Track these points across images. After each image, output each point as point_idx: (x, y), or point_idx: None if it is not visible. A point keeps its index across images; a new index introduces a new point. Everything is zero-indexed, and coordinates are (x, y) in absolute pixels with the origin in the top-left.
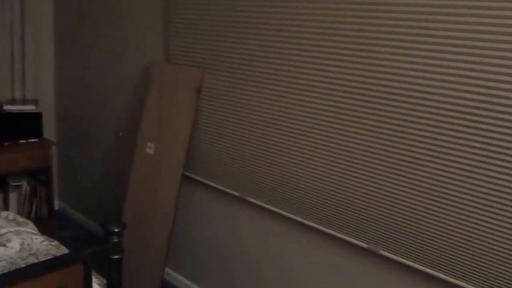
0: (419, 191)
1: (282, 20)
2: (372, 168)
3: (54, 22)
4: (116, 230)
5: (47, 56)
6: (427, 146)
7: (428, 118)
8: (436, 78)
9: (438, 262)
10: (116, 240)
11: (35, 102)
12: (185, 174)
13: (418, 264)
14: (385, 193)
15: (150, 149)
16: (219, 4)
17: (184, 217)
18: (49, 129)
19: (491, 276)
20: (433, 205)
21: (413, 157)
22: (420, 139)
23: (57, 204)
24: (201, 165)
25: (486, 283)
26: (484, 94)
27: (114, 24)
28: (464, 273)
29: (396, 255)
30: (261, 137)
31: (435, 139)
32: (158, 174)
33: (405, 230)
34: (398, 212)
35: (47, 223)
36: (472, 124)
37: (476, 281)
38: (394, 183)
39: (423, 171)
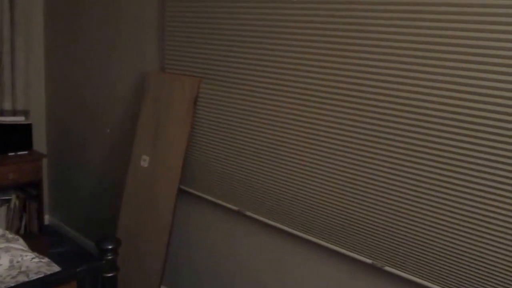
0: (427, 205)
1: (280, 28)
2: (376, 181)
3: (45, 32)
4: (110, 247)
5: (38, 66)
6: (432, 158)
7: (432, 130)
8: (441, 87)
9: (446, 278)
10: (110, 257)
11: (25, 113)
12: (182, 188)
13: (425, 280)
14: (391, 207)
15: (144, 161)
16: (215, 12)
17: (182, 233)
18: (40, 141)
19: None
20: (441, 220)
21: (418, 169)
22: (425, 150)
23: (47, 219)
24: (199, 179)
25: None
26: (486, 104)
27: (107, 34)
28: None
29: (401, 271)
30: (260, 149)
31: (440, 150)
32: (153, 188)
33: (411, 246)
34: (403, 227)
35: (38, 239)
36: (481, 142)
37: None
38: (400, 198)
39: (429, 184)
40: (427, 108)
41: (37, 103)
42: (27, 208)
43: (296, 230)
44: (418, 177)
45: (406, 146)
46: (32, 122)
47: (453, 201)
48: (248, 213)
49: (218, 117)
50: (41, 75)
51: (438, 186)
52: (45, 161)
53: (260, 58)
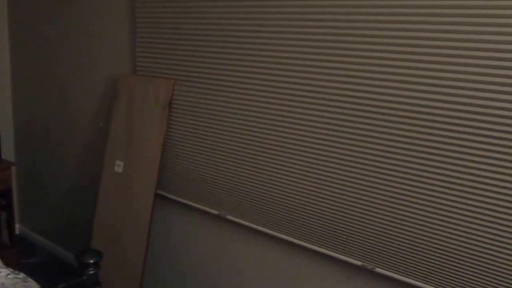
0: (417, 205)
1: (255, 27)
2: (363, 180)
3: (10, 32)
4: (92, 261)
5: (3, 70)
6: (420, 155)
7: (421, 128)
8: (441, 92)
9: (435, 276)
10: (92, 271)
11: None
12: (159, 193)
13: (417, 280)
14: (379, 207)
15: (118, 167)
16: (187, 12)
17: (162, 239)
18: (8, 149)
19: None
20: (429, 219)
21: (408, 169)
22: (412, 148)
23: (18, 228)
24: (176, 183)
25: None
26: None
27: (77, 36)
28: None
29: (391, 272)
30: (238, 150)
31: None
32: (129, 193)
33: (401, 246)
34: (393, 227)
35: (9, 250)
36: (471, 138)
37: None
38: (388, 198)
39: (418, 182)
40: (411, 107)
41: (2, 108)
42: None
43: (280, 233)
44: (415, 177)
45: (395, 144)
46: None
47: (447, 195)
48: (229, 217)
49: (194, 119)
50: (6, 79)
51: (431, 185)
52: (14, 169)
53: (237, 57)
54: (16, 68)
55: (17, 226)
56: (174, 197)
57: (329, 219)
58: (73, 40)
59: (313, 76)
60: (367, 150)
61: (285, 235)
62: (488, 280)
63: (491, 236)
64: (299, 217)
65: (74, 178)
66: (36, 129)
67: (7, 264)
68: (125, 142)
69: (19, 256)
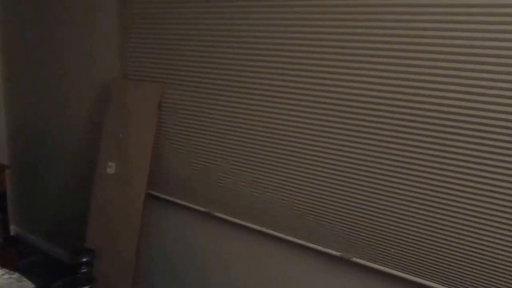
0: (397, 194)
1: (246, 26)
2: (355, 176)
3: (2, 34)
4: (85, 259)
5: None
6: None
7: (415, 123)
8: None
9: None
10: (85, 270)
11: None
12: (152, 193)
13: (396, 270)
14: (361, 198)
15: (110, 168)
16: (176, 18)
17: (155, 238)
18: (1, 150)
19: (468, 279)
20: (408, 208)
21: (405, 157)
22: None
23: (13, 230)
24: (168, 183)
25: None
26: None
27: (68, 42)
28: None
29: (369, 262)
30: (225, 149)
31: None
32: (120, 194)
33: (381, 237)
34: (372, 217)
35: (4, 251)
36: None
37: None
38: (368, 188)
39: (405, 174)
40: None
41: None
42: None
43: (266, 228)
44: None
45: (394, 140)
46: None
47: (429, 185)
48: (217, 214)
49: (183, 121)
50: None
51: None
52: (8, 171)
53: (227, 60)
54: (8, 71)
55: (12, 227)
56: (167, 197)
57: (319, 213)
58: (65, 43)
59: (307, 74)
60: (358, 140)
61: (274, 231)
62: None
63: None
64: (289, 213)
65: (68, 179)
66: (29, 130)
67: (3, 265)
68: (117, 144)
69: (14, 257)
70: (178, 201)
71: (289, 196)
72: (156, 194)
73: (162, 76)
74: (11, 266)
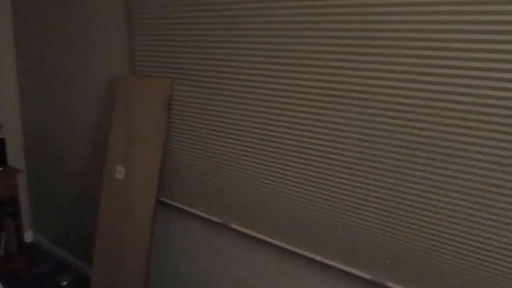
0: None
1: (261, 21)
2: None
3: (15, 39)
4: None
5: (10, 76)
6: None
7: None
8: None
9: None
10: None
11: None
12: (161, 200)
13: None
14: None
15: (119, 173)
16: (184, 11)
17: (164, 248)
18: (17, 156)
19: None
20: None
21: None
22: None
23: (31, 236)
24: (178, 189)
25: None
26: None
27: (77, 38)
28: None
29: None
30: (243, 153)
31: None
32: (129, 201)
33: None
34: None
35: (18, 258)
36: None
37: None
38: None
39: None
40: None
41: (11, 115)
42: (5, 227)
43: (289, 244)
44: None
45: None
46: (5, 136)
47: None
48: (233, 226)
49: (195, 120)
50: (13, 85)
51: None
52: (22, 176)
53: (238, 52)
54: (22, 74)
55: (30, 233)
56: (177, 204)
57: (348, 228)
58: (73, 43)
59: (324, 71)
60: (371, 145)
61: (290, 245)
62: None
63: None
64: (308, 227)
65: (80, 184)
66: (42, 135)
67: (16, 273)
68: (126, 147)
69: (27, 266)
70: (190, 209)
71: (314, 208)
72: (166, 200)
73: (171, 71)
74: (23, 274)
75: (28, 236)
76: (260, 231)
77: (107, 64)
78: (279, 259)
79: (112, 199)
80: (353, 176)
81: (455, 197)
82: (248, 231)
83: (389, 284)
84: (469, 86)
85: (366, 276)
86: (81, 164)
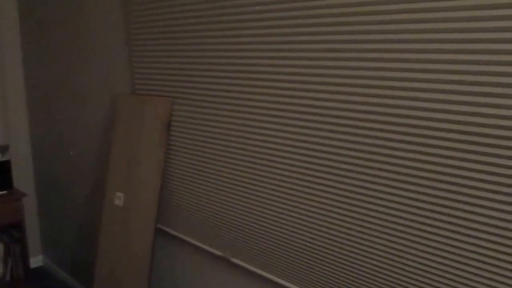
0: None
1: (257, 38)
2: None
3: (23, 63)
4: None
5: (19, 97)
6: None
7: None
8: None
9: None
10: None
11: (3, 149)
12: (161, 228)
13: None
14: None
15: (119, 199)
16: (184, 31)
17: (163, 278)
18: (25, 178)
19: None
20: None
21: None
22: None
23: (41, 260)
24: (177, 217)
25: None
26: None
27: (80, 57)
28: None
29: None
30: (247, 181)
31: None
32: (128, 228)
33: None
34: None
35: (24, 285)
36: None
37: None
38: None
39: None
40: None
41: (19, 136)
42: (11, 252)
43: (295, 284)
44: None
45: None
46: (11, 158)
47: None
48: (235, 260)
49: (195, 144)
50: (22, 105)
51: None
52: (32, 200)
53: (240, 71)
54: (31, 94)
55: (39, 257)
56: (176, 233)
57: (352, 268)
58: (76, 62)
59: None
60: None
61: (297, 285)
62: None
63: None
64: (316, 266)
65: (88, 208)
66: (51, 157)
67: None
68: (125, 171)
69: None
70: (189, 239)
71: (324, 247)
72: (166, 229)
73: (171, 90)
74: None
75: (38, 260)
76: (263, 268)
77: (109, 84)
78: None
79: (111, 225)
80: (363, 226)
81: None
82: (249, 267)
83: None
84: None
85: None
86: (88, 187)
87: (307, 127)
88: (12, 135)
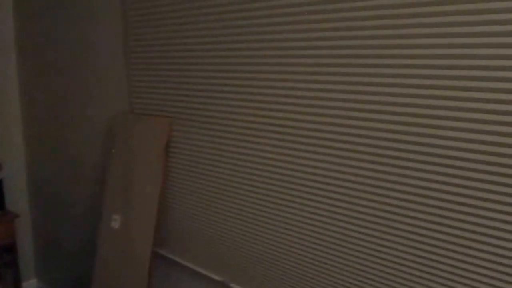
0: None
1: (256, 53)
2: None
3: (19, 78)
4: None
5: (13, 114)
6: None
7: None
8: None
9: None
10: None
11: None
12: (159, 252)
13: None
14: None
15: (115, 222)
16: (183, 51)
17: None
18: (19, 198)
19: None
20: None
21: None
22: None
23: (35, 284)
24: (177, 241)
25: None
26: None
27: (78, 77)
28: None
29: None
30: (247, 203)
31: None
32: (125, 251)
33: None
34: None
35: None
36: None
37: None
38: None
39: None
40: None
41: (13, 153)
42: (2, 277)
43: None
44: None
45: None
46: (4, 176)
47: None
48: (233, 286)
49: (195, 165)
50: (16, 123)
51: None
52: (26, 221)
53: (241, 91)
54: (27, 111)
55: (33, 281)
56: (174, 258)
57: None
58: (76, 81)
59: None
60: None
61: None
62: None
63: None
64: None
65: (83, 231)
66: (46, 178)
67: None
68: (122, 193)
69: None
70: (187, 263)
71: (327, 270)
72: (164, 254)
73: (171, 110)
74: None
75: (32, 284)
76: None
77: (107, 103)
78: None
79: (107, 248)
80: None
81: None
82: None
83: None
84: None
85: None
86: (85, 208)
87: (308, 151)
88: (6, 153)
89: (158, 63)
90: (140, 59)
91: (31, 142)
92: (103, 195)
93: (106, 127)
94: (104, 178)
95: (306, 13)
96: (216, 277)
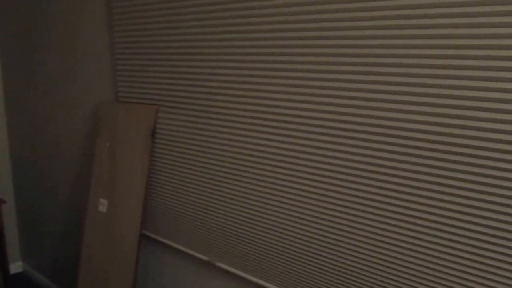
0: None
1: (249, 44)
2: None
3: (2, 64)
4: None
5: None
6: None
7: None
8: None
9: None
10: None
11: None
12: (146, 234)
13: None
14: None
15: (102, 206)
16: (168, 34)
17: (148, 284)
18: (5, 183)
19: None
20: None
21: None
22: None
23: (21, 266)
24: (163, 223)
25: None
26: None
27: (63, 64)
28: None
29: None
30: (230, 186)
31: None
32: (113, 235)
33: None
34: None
35: None
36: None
37: None
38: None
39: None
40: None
41: None
42: None
43: (274, 284)
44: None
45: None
46: None
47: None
48: (219, 264)
49: (180, 151)
50: (1, 117)
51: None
52: (10, 204)
53: (226, 79)
54: (10, 101)
55: (19, 263)
56: (161, 239)
57: (334, 270)
58: (60, 69)
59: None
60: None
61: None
62: None
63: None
64: (298, 268)
65: (68, 215)
66: (30, 163)
67: None
68: (109, 178)
69: None
70: (175, 244)
71: (305, 248)
72: (151, 235)
73: (156, 98)
74: None
75: (18, 266)
76: (248, 271)
77: (92, 90)
78: None
79: (95, 232)
80: (353, 234)
81: None
82: (234, 270)
83: None
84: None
85: None
86: (70, 193)
87: (291, 135)
88: None
89: (143, 52)
90: (125, 48)
91: (14, 129)
92: (90, 180)
93: (91, 114)
94: (90, 164)
95: (288, 14)
96: (202, 257)
